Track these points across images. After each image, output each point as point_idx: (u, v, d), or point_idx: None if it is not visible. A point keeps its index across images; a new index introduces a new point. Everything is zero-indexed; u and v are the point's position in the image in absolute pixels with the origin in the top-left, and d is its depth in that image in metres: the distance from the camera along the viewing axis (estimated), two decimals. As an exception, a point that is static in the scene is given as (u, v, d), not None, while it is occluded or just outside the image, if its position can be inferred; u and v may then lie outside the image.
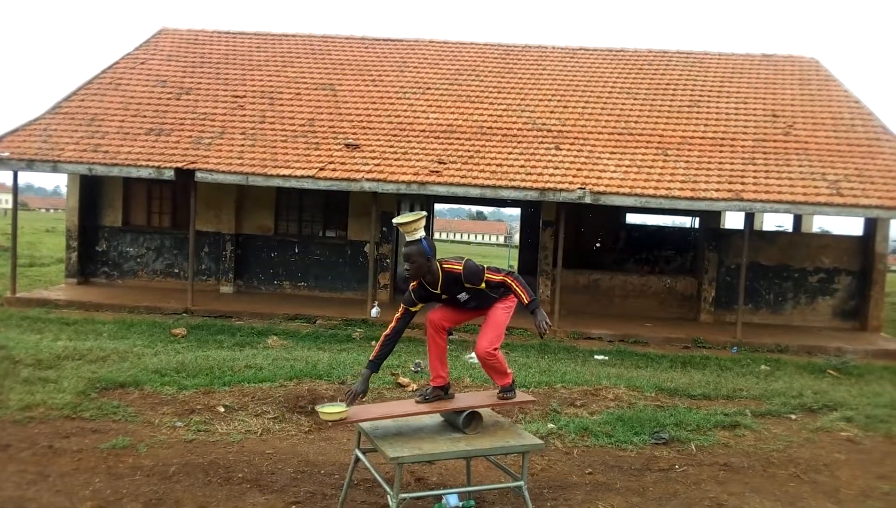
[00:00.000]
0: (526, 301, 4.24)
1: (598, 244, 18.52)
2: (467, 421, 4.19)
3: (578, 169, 12.67)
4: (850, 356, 11.09)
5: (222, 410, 6.44)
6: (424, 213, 4.42)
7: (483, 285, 4.25)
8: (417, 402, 4.39)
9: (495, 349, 4.33)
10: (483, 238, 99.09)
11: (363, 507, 4.68)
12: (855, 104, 15.35)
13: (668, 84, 16.20)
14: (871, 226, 13.85)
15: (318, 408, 4.17)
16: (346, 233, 14.81)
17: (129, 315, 12.02)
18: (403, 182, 11.98)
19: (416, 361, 8.51)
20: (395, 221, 4.26)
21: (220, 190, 14.18)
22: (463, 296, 4.32)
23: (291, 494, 4.81)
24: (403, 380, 7.61)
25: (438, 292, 4.31)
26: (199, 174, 12.26)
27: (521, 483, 4.14)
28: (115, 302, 12.71)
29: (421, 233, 4.27)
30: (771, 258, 14.16)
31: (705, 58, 17.42)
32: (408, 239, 4.26)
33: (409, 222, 4.21)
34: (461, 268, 4.23)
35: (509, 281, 4.28)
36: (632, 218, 19.46)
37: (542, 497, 4.91)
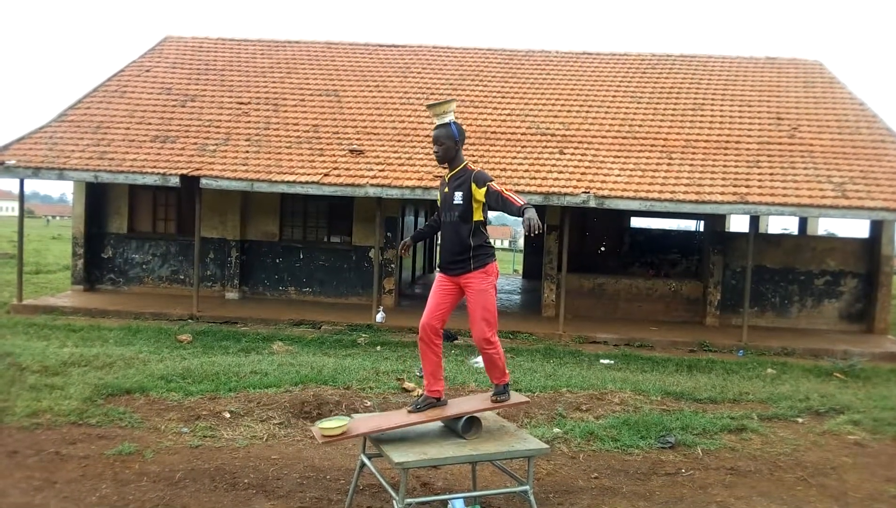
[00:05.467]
0: (519, 204, 4.12)
1: (602, 248, 18.48)
2: (466, 427, 4.18)
3: (583, 173, 12.67)
4: (857, 358, 11.04)
5: (228, 416, 6.45)
6: (455, 98, 4.53)
7: (484, 190, 4.21)
8: (410, 412, 4.35)
9: (492, 335, 4.32)
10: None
11: (369, 512, 4.68)
12: (859, 106, 15.32)
13: (671, 87, 16.20)
14: (877, 228, 13.82)
15: (318, 423, 4.16)
16: (350, 238, 14.84)
17: (134, 322, 12.05)
18: (408, 187, 12.01)
19: (422, 366, 8.49)
20: (427, 105, 4.42)
21: (224, 196, 14.22)
22: (458, 198, 4.31)
23: (297, 499, 4.81)
24: (409, 385, 7.61)
25: (447, 181, 4.41)
26: (204, 181, 12.31)
27: (527, 487, 4.13)
28: (120, 309, 12.75)
29: (450, 117, 4.34)
30: (776, 261, 14.12)
31: (709, 61, 17.41)
32: (437, 123, 4.33)
33: (440, 104, 4.28)
34: (476, 169, 4.38)
35: (505, 192, 4.21)
36: (636, 222, 19.42)
37: (548, 501, 4.90)
